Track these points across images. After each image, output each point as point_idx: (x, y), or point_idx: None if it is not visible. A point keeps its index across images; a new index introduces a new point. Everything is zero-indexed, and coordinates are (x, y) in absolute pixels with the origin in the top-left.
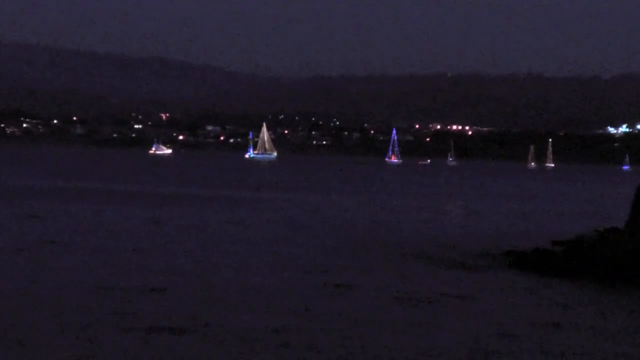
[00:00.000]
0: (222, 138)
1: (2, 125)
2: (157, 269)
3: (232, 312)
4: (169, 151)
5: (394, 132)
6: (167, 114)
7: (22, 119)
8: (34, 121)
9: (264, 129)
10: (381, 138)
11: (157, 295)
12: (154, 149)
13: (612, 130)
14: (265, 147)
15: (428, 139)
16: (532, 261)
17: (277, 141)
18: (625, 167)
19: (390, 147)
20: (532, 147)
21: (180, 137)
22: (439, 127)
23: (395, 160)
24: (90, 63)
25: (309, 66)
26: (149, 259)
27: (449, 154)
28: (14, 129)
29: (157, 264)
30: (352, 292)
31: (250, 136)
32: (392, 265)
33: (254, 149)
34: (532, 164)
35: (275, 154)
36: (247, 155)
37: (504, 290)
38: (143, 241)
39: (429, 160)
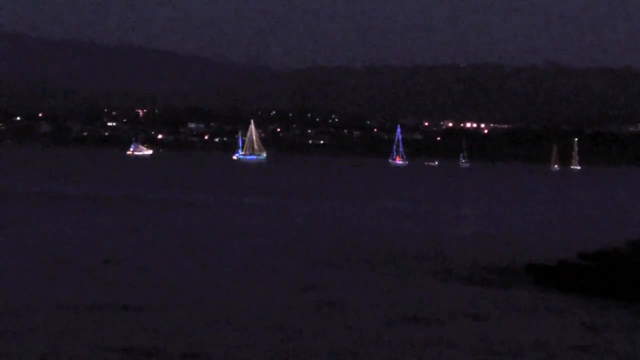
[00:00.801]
0: (206, 137)
1: None
2: (133, 283)
3: (215, 333)
4: (149, 152)
5: (399, 129)
6: (145, 110)
7: None
8: None
9: (252, 126)
10: (386, 137)
11: (131, 313)
12: (132, 149)
13: None
14: (253, 147)
15: (438, 138)
16: (556, 276)
17: (268, 140)
18: None
19: (395, 146)
20: (555, 147)
21: (160, 136)
22: (450, 124)
23: (400, 162)
24: (57, 52)
25: (304, 56)
26: (123, 272)
27: (461, 155)
28: None
29: (132, 278)
30: (350, 311)
31: (240, 134)
32: (395, 280)
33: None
34: (556, 165)
35: (264, 154)
36: (235, 156)
37: (524, 309)
38: (117, 251)
39: (436, 162)
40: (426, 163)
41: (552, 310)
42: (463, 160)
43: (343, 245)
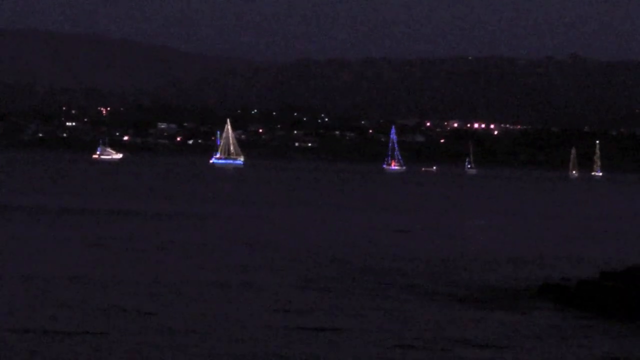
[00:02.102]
0: (178, 139)
1: None
2: (95, 306)
3: None
4: (119, 156)
5: (393, 130)
6: (108, 108)
7: None
8: None
9: (228, 126)
10: (383, 139)
11: (93, 339)
12: (98, 152)
13: None
14: (229, 151)
15: (443, 140)
16: (577, 298)
17: (249, 143)
18: None
19: (389, 150)
20: (573, 151)
21: (126, 138)
22: (456, 125)
23: (396, 167)
24: (9, 42)
25: (291, 48)
26: (86, 293)
27: (467, 160)
28: None
29: (97, 298)
30: (341, 337)
31: (218, 136)
32: (392, 303)
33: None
34: (574, 172)
35: (242, 159)
36: (212, 161)
37: (541, 335)
38: (84, 268)
39: (434, 167)
40: (423, 169)
41: (571, 338)
42: (469, 166)
43: (330, 264)
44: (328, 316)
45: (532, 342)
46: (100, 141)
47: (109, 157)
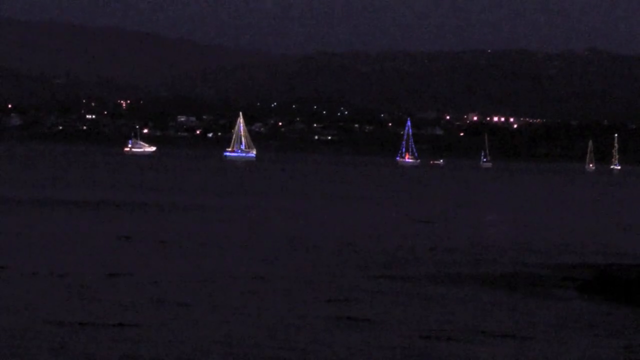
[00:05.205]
0: (198, 132)
1: None
2: (135, 298)
3: (215, 354)
4: (152, 149)
5: (409, 123)
6: (128, 101)
7: None
8: None
9: (241, 119)
10: (402, 132)
11: (124, 331)
12: (129, 145)
13: None
14: (241, 144)
15: (462, 134)
16: (600, 288)
17: (268, 135)
18: None
19: (404, 142)
20: (590, 144)
21: (145, 130)
22: (475, 118)
23: (411, 160)
24: (28, 35)
25: (309, 40)
26: (128, 286)
27: (482, 153)
28: None
29: (136, 292)
30: (368, 327)
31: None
32: (417, 292)
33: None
34: (591, 165)
35: (254, 152)
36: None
37: (565, 325)
38: (125, 263)
39: (442, 160)
40: (432, 162)
41: (595, 327)
42: (484, 160)
43: (356, 255)
44: (352, 306)
45: (556, 331)
46: (132, 134)
47: (141, 149)
